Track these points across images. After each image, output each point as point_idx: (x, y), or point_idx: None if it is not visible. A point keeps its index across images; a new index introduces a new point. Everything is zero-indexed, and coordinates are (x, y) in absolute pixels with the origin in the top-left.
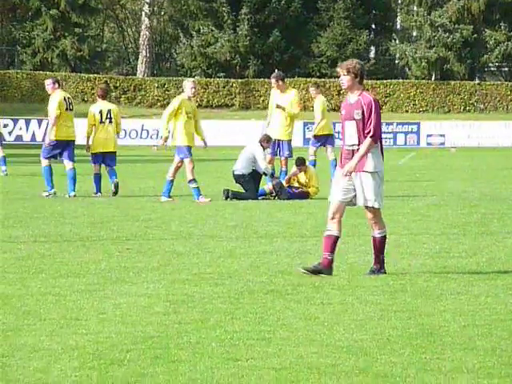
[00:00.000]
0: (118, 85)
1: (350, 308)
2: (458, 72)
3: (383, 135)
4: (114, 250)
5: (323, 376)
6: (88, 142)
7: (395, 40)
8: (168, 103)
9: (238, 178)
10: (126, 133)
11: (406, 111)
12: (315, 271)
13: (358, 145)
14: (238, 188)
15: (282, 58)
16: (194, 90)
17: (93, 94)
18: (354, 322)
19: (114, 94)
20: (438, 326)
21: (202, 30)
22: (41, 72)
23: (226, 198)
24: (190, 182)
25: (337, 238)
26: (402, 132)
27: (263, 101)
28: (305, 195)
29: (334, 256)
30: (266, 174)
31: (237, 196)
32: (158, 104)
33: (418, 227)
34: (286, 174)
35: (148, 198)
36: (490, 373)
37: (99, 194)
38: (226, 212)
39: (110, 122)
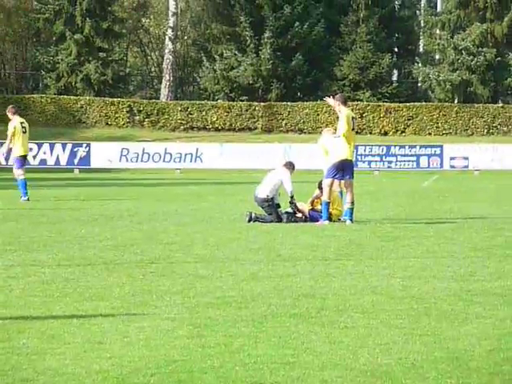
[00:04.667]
0: (141, 108)
1: (375, 332)
2: (482, 95)
3: (406, 158)
4: (137, 274)
5: None
6: None
7: (418, 63)
8: (191, 127)
9: (262, 202)
10: (149, 156)
11: (429, 134)
12: None
13: None
14: (261, 211)
15: (305, 82)
16: None
17: (116, 118)
18: (378, 345)
19: (137, 117)
20: (464, 351)
21: (225, 54)
22: (65, 96)
23: (249, 221)
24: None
25: None
26: (425, 155)
27: (286, 124)
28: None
29: None
30: (291, 197)
31: (260, 219)
32: (181, 127)
33: (442, 250)
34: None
35: (171, 221)
36: None
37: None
38: (248, 235)
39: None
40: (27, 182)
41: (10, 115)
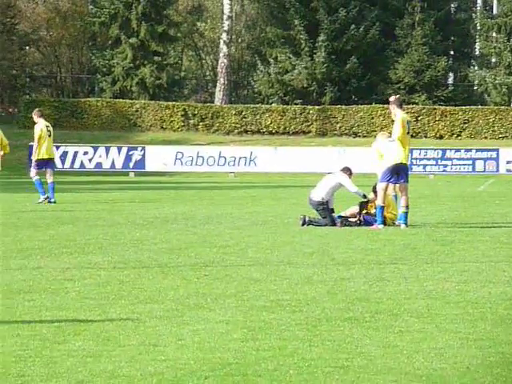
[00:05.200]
0: (196, 112)
1: (429, 336)
2: None
3: (462, 161)
4: (191, 277)
5: None
6: None
7: (474, 66)
8: (245, 130)
9: (317, 205)
10: (203, 159)
11: (485, 137)
12: None
13: None
14: (315, 214)
15: (359, 85)
16: None
17: (171, 121)
18: (433, 350)
19: (191, 121)
20: None
21: (279, 58)
22: (120, 100)
23: (303, 224)
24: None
25: None
26: (480, 158)
27: (340, 127)
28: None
29: None
30: (364, 197)
31: (314, 222)
32: (236, 131)
33: (497, 254)
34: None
35: (225, 224)
36: None
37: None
38: (302, 238)
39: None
40: (42, 183)
41: (35, 118)
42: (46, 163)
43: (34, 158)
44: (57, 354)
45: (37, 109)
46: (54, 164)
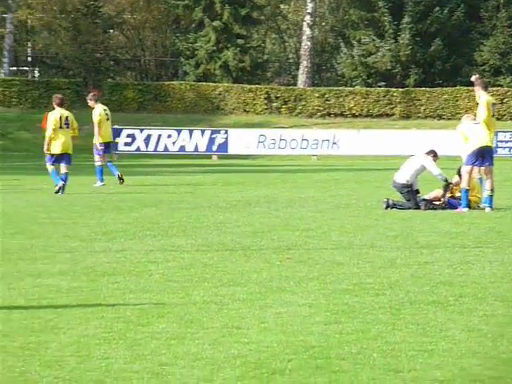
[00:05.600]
0: (278, 95)
1: None
2: None
3: None
4: (274, 260)
5: None
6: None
7: None
8: (328, 113)
9: (401, 187)
10: (286, 142)
11: None
12: None
13: None
14: (399, 197)
15: (444, 67)
16: None
17: (254, 104)
18: None
19: (274, 104)
20: None
21: (362, 40)
22: (203, 83)
23: (387, 208)
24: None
25: None
26: None
27: (424, 110)
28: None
29: None
30: (446, 181)
31: (397, 206)
32: (318, 114)
33: None
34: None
35: (308, 207)
36: None
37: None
38: (385, 222)
39: (67, 127)
40: (102, 169)
41: (92, 103)
42: (107, 146)
43: (96, 141)
44: (140, 336)
45: (92, 93)
46: (112, 147)
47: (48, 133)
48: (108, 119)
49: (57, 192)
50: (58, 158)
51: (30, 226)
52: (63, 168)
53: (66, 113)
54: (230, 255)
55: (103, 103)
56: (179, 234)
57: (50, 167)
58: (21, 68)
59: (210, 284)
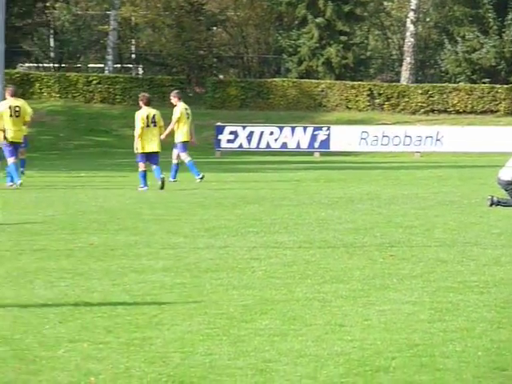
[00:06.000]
0: (381, 92)
1: None
2: None
3: None
4: (377, 257)
5: None
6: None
7: None
8: (432, 110)
9: (506, 185)
10: (389, 139)
11: None
12: None
13: None
14: (504, 195)
15: None
16: None
17: (357, 101)
18: None
19: (377, 100)
20: None
21: (467, 36)
22: (306, 80)
23: (491, 205)
24: None
25: None
26: None
27: None
28: None
29: None
30: None
31: (502, 203)
32: (422, 110)
33: None
34: None
35: (411, 204)
36: None
37: (146, 187)
38: (490, 219)
39: (155, 125)
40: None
41: (175, 101)
42: (183, 145)
43: (177, 140)
44: (244, 332)
45: (176, 91)
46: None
47: (136, 132)
48: (188, 118)
49: (161, 188)
50: (148, 157)
51: (134, 223)
52: (154, 166)
53: (153, 111)
54: (333, 252)
55: (206, 100)
56: (281, 230)
57: (141, 166)
58: (125, 65)
59: (312, 281)
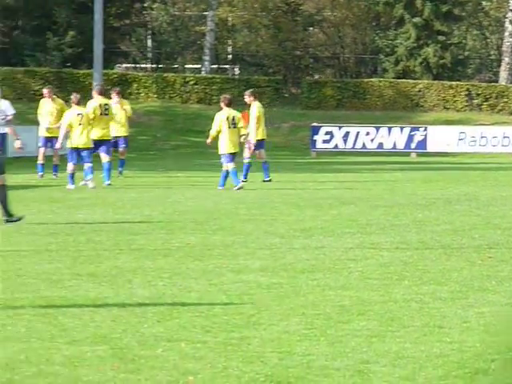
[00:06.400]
0: (479, 92)
1: None
2: None
3: None
4: (475, 258)
5: None
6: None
7: None
8: None
9: None
10: (487, 140)
11: None
12: None
13: None
14: None
15: None
16: None
17: (455, 101)
18: None
19: (475, 101)
20: None
21: None
22: (403, 80)
23: None
24: None
25: None
26: None
27: None
28: None
29: None
30: None
31: None
32: None
33: None
34: None
35: (510, 206)
36: None
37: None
38: None
39: (235, 127)
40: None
41: (250, 100)
42: (260, 143)
43: (252, 139)
44: (341, 333)
45: (251, 90)
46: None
47: (212, 132)
48: (263, 116)
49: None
50: (230, 157)
51: (230, 223)
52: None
53: (233, 113)
54: (430, 253)
55: (302, 101)
56: (377, 231)
57: (230, 166)
58: (221, 66)
59: (410, 282)
